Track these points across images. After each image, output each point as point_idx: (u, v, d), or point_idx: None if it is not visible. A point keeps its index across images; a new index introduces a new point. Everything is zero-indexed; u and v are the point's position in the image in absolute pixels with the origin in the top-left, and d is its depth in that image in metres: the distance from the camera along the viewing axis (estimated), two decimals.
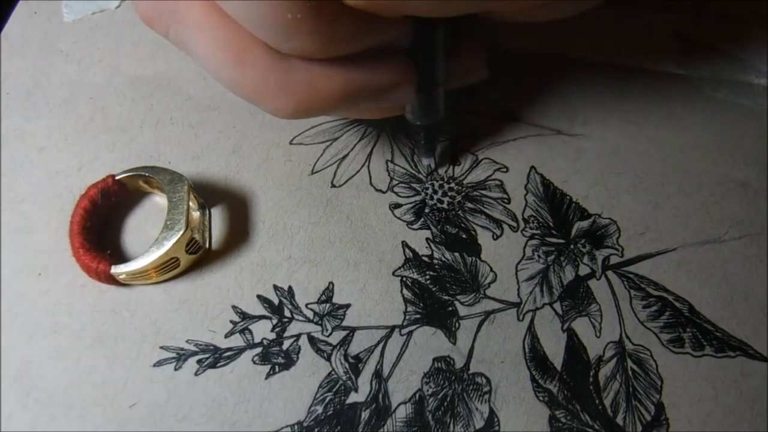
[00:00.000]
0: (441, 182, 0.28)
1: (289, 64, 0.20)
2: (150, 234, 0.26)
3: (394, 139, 0.29)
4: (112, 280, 0.24)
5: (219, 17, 0.19)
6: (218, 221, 0.26)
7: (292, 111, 0.20)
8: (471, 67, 0.25)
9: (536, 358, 0.24)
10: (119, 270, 0.23)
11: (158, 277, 0.24)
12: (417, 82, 0.22)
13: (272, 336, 0.24)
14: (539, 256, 0.26)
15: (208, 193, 0.27)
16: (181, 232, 0.24)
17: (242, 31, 0.19)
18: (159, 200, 0.27)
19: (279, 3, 0.17)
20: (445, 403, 0.23)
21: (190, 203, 0.25)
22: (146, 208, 0.27)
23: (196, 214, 0.26)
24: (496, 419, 0.23)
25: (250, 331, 0.24)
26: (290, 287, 0.25)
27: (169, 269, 0.24)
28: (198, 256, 0.25)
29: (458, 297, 0.25)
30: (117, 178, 0.25)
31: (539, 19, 0.22)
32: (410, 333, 0.25)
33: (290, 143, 0.28)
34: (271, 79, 0.20)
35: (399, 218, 0.27)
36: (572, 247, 0.26)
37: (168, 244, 0.23)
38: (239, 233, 0.26)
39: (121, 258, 0.25)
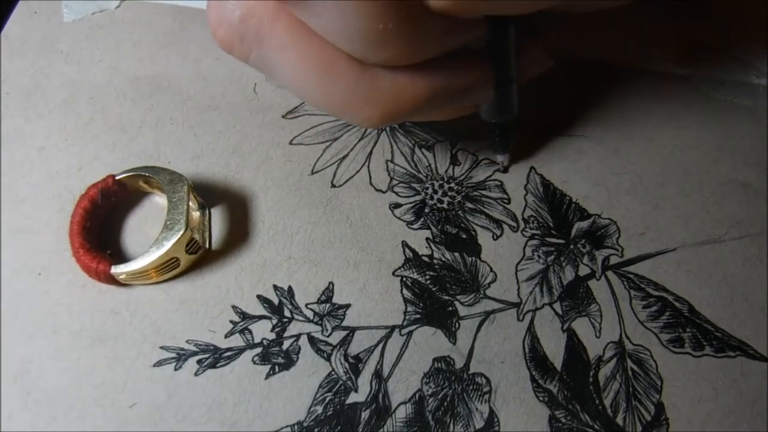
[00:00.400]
0: (441, 182, 0.28)
1: (375, 74, 0.20)
2: (150, 234, 0.26)
3: (394, 139, 0.29)
4: (112, 281, 0.24)
5: (304, 35, 0.19)
6: (218, 221, 0.26)
7: (379, 120, 0.21)
8: (537, 59, 0.25)
9: (536, 358, 0.24)
10: (119, 270, 0.24)
11: (158, 277, 0.24)
12: (494, 80, 0.23)
13: (272, 336, 0.24)
14: (539, 257, 0.26)
15: (208, 193, 0.27)
16: (181, 232, 0.24)
17: (328, 46, 0.19)
18: (159, 200, 0.27)
19: (370, 15, 0.17)
20: (445, 404, 0.23)
21: (190, 203, 0.25)
22: (146, 208, 0.27)
23: (196, 214, 0.26)
24: (496, 419, 0.23)
25: (250, 331, 0.24)
26: (290, 287, 0.25)
27: (169, 269, 0.24)
28: (198, 256, 0.25)
29: (458, 297, 0.25)
30: (117, 178, 0.25)
31: (608, 7, 0.23)
32: (410, 333, 0.25)
33: (290, 143, 0.28)
34: (359, 91, 0.20)
35: (399, 218, 0.27)
36: (572, 247, 0.26)
37: (168, 244, 0.23)
38: (239, 233, 0.26)
39: (121, 258, 0.25)
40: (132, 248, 0.26)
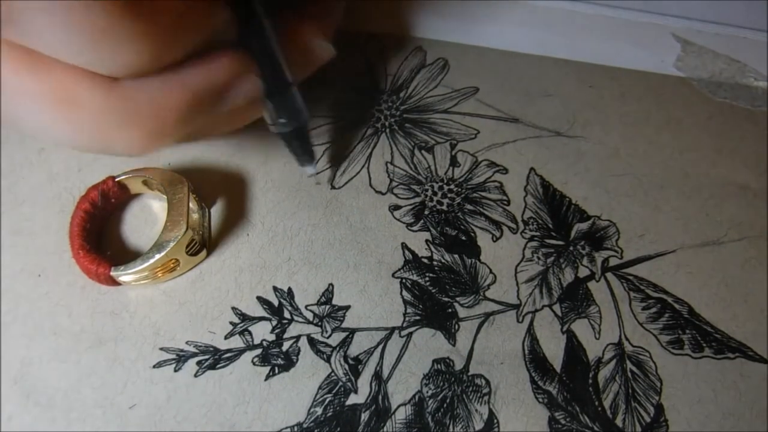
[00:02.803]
0: (441, 184, 0.28)
1: (124, 89, 0.18)
2: (150, 235, 0.26)
3: (394, 141, 0.29)
4: (112, 282, 0.24)
5: (36, 71, 0.17)
6: (218, 223, 0.27)
7: (144, 141, 0.19)
8: (312, 48, 0.23)
9: (536, 359, 0.24)
10: (119, 272, 0.23)
11: (158, 278, 0.24)
12: (262, 78, 0.21)
13: (272, 337, 0.24)
14: (539, 258, 0.26)
15: (208, 195, 0.27)
16: (182, 234, 0.24)
17: (64, 73, 0.17)
18: (159, 202, 0.27)
19: (89, 9, 0.15)
20: (445, 405, 0.23)
21: (190, 204, 0.25)
22: (146, 209, 0.27)
23: (195, 216, 0.26)
24: (495, 421, 0.23)
25: (250, 333, 0.24)
26: (290, 289, 0.25)
27: (169, 270, 0.24)
28: (198, 258, 0.25)
29: (458, 299, 0.25)
30: (117, 179, 0.25)
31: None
32: (410, 335, 0.25)
33: None
34: (112, 113, 0.18)
35: (399, 220, 0.27)
36: (572, 248, 0.26)
37: (168, 246, 0.23)
38: (239, 235, 0.26)
39: (122, 259, 0.25)
40: (132, 250, 0.26)
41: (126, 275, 0.24)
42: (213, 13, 0.19)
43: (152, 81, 0.18)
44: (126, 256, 0.25)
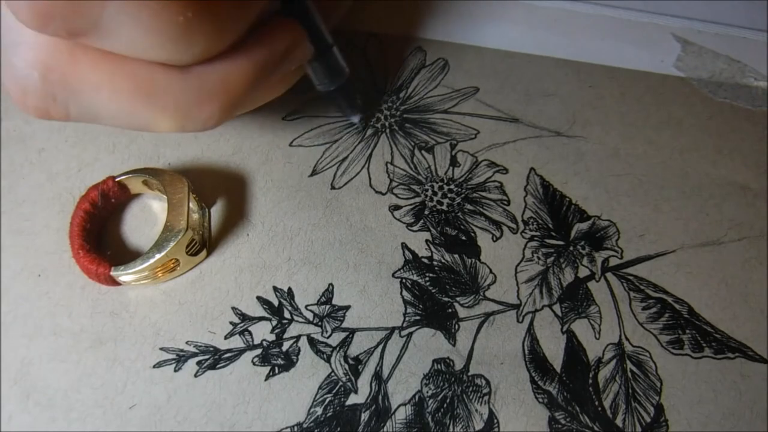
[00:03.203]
0: (441, 184, 0.28)
1: (197, 73, 0.19)
2: (150, 235, 0.26)
3: (394, 141, 0.29)
4: (112, 282, 0.24)
5: (111, 66, 0.18)
6: (218, 222, 0.27)
7: (220, 115, 0.20)
8: (334, 3, 0.25)
9: (536, 359, 0.24)
10: (119, 272, 0.23)
11: (158, 278, 0.24)
12: (309, 39, 0.23)
13: (272, 337, 0.24)
14: (539, 258, 0.26)
15: (208, 195, 0.27)
16: (182, 234, 0.24)
17: (140, 67, 0.19)
18: (159, 202, 0.27)
19: (169, 10, 0.16)
20: (445, 405, 0.23)
21: (190, 204, 0.25)
22: (146, 209, 0.27)
23: (195, 216, 0.26)
24: (495, 421, 0.23)
25: (250, 333, 0.24)
26: (290, 288, 0.25)
27: (169, 270, 0.24)
28: (198, 258, 0.25)
29: (458, 299, 0.25)
30: (117, 179, 0.25)
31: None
32: (410, 334, 0.25)
33: (290, 145, 0.28)
34: (190, 96, 0.19)
35: (399, 220, 0.27)
36: (572, 248, 0.26)
37: (168, 246, 0.23)
38: (239, 235, 0.26)
39: (122, 259, 0.25)
40: (132, 249, 0.26)
41: (126, 275, 0.24)
42: None
43: (220, 60, 0.20)
44: (126, 256, 0.25)
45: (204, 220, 0.26)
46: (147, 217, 0.27)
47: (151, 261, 0.23)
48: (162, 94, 0.19)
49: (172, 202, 0.24)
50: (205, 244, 0.26)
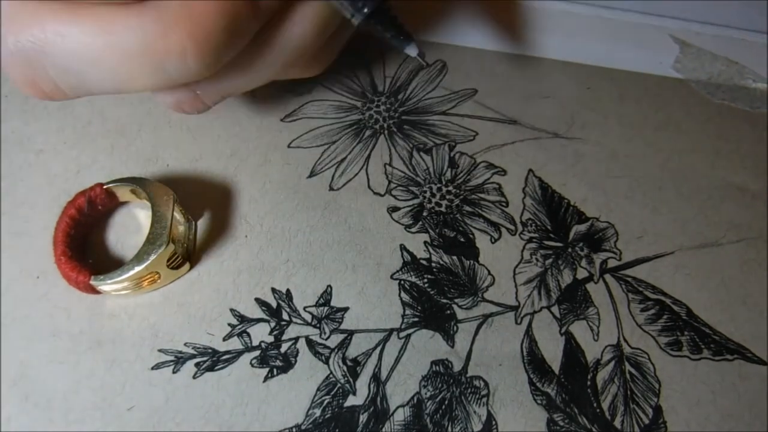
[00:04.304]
0: (439, 185, 0.28)
1: (152, 4, 0.18)
2: (134, 245, 0.25)
3: (393, 142, 0.29)
4: (92, 290, 0.24)
5: (73, 14, 0.18)
6: (217, 224, 0.26)
7: (194, 46, 0.19)
8: None
9: (534, 361, 0.24)
10: (98, 281, 0.23)
11: (138, 290, 0.24)
12: None
13: (270, 339, 0.24)
14: (537, 260, 0.26)
15: (206, 197, 0.27)
16: (163, 248, 0.23)
17: (99, 10, 0.18)
18: (146, 211, 0.26)
19: None
20: (443, 407, 0.23)
21: (177, 216, 0.24)
22: (134, 217, 0.27)
23: (181, 228, 0.25)
24: (494, 422, 0.23)
25: (248, 334, 0.24)
26: (288, 290, 0.25)
27: (149, 283, 0.24)
28: (180, 272, 0.25)
29: (456, 300, 0.25)
30: (105, 186, 0.25)
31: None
32: (408, 336, 0.25)
33: (288, 146, 0.28)
34: (149, 27, 0.18)
35: (397, 221, 0.27)
36: (570, 250, 0.26)
37: (149, 259, 0.23)
38: (237, 236, 0.26)
39: (104, 267, 0.24)
40: (115, 258, 0.25)
41: (105, 285, 0.23)
42: None
43: None
44: (109, 264, 0.25)
45: (189, 232, 0.26)
46: (133, 226, 0.26)
47: (131, 273, 0.23)
48: (122, 30, 0.18)
49: (157, 214, 0.24)
50: (188, 257, 0.25)
